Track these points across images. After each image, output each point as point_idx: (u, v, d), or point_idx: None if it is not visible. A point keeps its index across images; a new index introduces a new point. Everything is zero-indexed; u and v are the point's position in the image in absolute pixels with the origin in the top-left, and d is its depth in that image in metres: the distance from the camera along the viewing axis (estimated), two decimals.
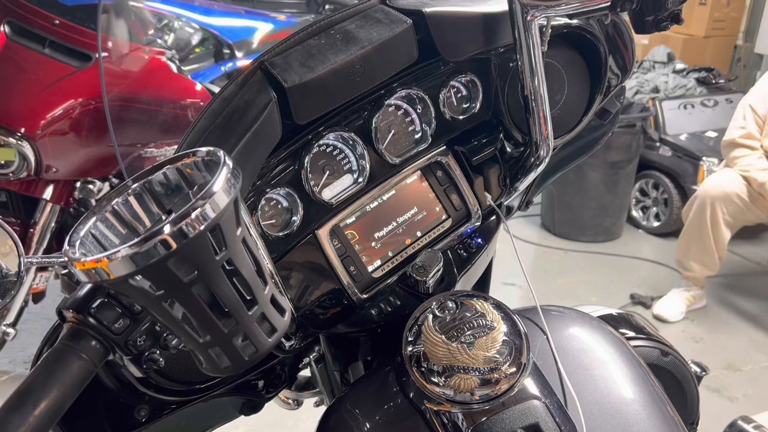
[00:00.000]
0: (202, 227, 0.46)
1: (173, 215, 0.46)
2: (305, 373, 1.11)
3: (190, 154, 0.54)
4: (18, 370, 2.72)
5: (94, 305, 0.56)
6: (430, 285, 0.85)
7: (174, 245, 0.45)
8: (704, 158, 3.97)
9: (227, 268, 0.51)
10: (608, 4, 0.81)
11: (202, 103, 2.23)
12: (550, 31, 0.86)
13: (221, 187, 0.48)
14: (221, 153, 0.52)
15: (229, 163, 0.50)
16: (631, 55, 1.03)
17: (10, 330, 2.23)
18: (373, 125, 0.87)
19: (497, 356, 0.70)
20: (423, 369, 0.71)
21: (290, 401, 1.18)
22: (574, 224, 4.27)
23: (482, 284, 1.09)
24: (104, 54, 2.08)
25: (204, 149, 0.54)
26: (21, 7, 2.05)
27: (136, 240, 0.45)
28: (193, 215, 0.46)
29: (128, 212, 0.55)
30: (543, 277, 3.80)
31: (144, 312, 0.57)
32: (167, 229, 0.45)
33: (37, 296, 2.37)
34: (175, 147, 2.26)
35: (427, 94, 0.91)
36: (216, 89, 2.30)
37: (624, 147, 4.03)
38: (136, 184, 0.55)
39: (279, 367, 0.94)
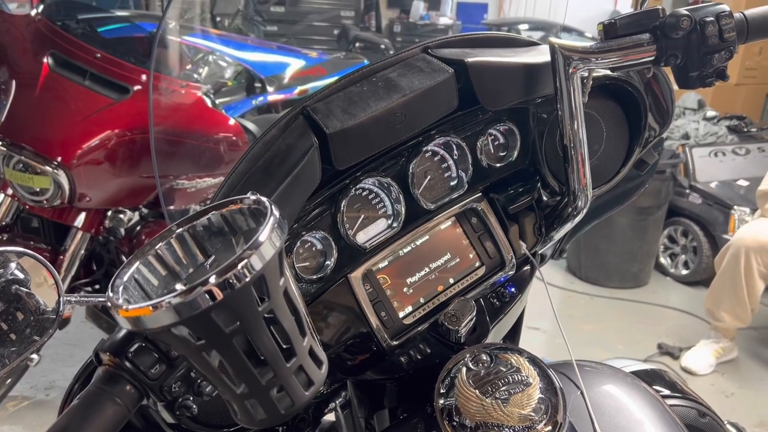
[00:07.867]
0: (248, 278, 0.45)
1: (218, 266, 0.45)
2: (329, 417, 1.09)
3: (237, 201, 0.54)
4: (39, 396, 2.73)
5: (132, 349, 0.56)
6: (462, 334, 0.83)
7: (220, 296, 0.45)
8: (735, 207, 3.90)
9: (267, 317, 0.50)
10: (652, 58, 0.81)
11: (234, 138, 2.26)
12: (591, 82, 0.86)
13: (267, 237, 0.47)
14: (268, 202, 0.51)
15: (276, 213, 0.49)
16: (670, 106, 1.02)
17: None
18: (410, 171, 0.87)
19: (533, 414, 0.68)
20: (455, 423, 0.69)
21: None
22: (601, 269, 4.20)
23: (513, 334, 1.07)
24: (140, 87, 2.12)
25: (252, 197, 0.53)
26: (65, 40, 2.12)
27: (180, 290, 0.44)
28: (239, 266, 0.45)
29: (170, 255, 0.55)
30: (568, 323, 3.72)
31: (180, 358, 0.57)
32: (213, 279, 0.44)
33: (63, 322, 2.39)
34: (207, 180, 2.30)
35: (464, 141, 0.91)
36: (249, 124, 2.34)
37: (653, 193, 3.98)
38: (180, 230, 0.55)
39: (303, 411, 0.93)
